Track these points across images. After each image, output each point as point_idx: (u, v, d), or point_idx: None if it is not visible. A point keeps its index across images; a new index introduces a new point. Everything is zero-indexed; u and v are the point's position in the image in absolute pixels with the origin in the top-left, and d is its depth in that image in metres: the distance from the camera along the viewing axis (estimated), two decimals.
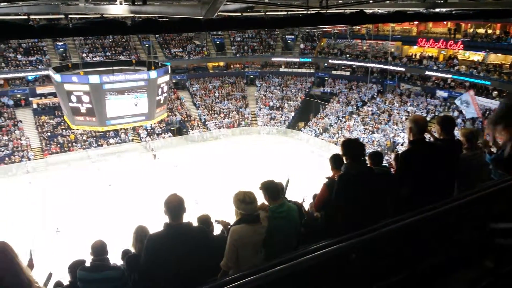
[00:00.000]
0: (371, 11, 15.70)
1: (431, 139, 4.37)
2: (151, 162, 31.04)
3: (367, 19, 10.21)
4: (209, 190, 23.44)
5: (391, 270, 2.80)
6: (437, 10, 9.95)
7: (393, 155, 28.65)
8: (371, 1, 14.17)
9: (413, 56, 36.08)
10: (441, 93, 33.17)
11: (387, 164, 5.73)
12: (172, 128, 36.83)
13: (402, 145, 29.63)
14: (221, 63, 43.96)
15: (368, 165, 4.50)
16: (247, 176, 24.60)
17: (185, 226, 3.24)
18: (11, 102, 33.76)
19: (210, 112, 39.21)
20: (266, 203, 3.72)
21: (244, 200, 3.34)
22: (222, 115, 39.09)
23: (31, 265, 3.31)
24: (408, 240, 2.95)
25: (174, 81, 39.15)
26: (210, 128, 37.72)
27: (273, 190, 3.71)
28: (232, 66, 44.19)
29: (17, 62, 34.17)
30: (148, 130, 35.40)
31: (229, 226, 4.17)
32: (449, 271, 2.92)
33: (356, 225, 2.82)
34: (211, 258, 3.35)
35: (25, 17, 15.21)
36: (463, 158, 4.21)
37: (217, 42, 43.17)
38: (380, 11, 15.78)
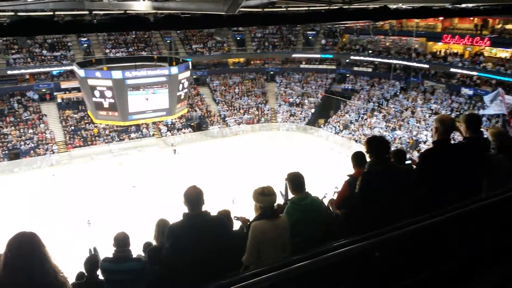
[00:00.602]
0: (395, 6, 15.41)
1: (461, 138, 4.23)
2: (171, 157, 31.40)
3: (391, 14, 10.02)
4: (227, 186, 23.57)
5: (414, 270, 2.76)
6: (463, 5, 9.69)
7: (415, 153, 28.18)
8: None
9: (438, 53, 35.27)
10: (466, 91, 32.36)
11: (410, 162, 5.61)
12: (192, 124, 37.13)
13: (425, 143, 29.09)
14: (242, 59, 44.00)
15: (393, 163, 4.42)
16: (266, 172, 24.62)
17: (204, 215, 3.35)
18: (36, 97, 34.64)
19: (230, 108, 39.34)
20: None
21: (263, 193, 3.40)
22: (241, 111, 39.17)
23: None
24: (432, 239, 2.89)
25: (194, 77, 39.40)
26: (230, 124, 37.86)
27: (298, 182, 3.75)
28: (252, 62, 44.19)
29: (43, 57, 35.01)
30: (169, 125, 35.79)
31: (248, 223, 4.20)
32: (474, 272, 2.85)
33: (379, 223, 2.78)
34: (229, 247, 3.43)
35: (51, 13, 15.59)
36: (492, 158, 4.08)
37: (238, 38, 43.20)
38: (404, 6, 15.47)
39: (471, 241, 3.05)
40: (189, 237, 3.25)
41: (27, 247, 2.31)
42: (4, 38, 32.86)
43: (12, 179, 27.44)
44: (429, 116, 31.64)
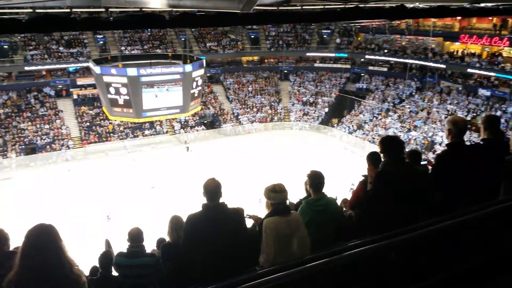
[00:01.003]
0: (411, 5, 15.21)
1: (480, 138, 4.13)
2: (184, 154, 31.58)
3: (408, 13, 9.88)
4: (239, 184, 23.59)
5: (431, 271, 2.72)
6: (482, 4, 9.51)
7: (430, 155, 27.77)
8: None
9: (455, 53, 34.71)
10: (483, 92, 31.76)
11: (425, 163, 5.54)
12: (205, 121, 37.28)
13: (440, 144, 28.68)
14: (255, 58, 43.97)
15: (409, 163, 4.36)
16: (278, 171, 24.59)
17: (221, 206, 3.47)
18: (52, 92, 35.17)
19: (243, 106, 39.37)
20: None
21: (274, 189, 3.44)
22: (255, 109, 39.17)
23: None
24: (450, 241, 2.85)
25: (208, 74, 39.52)
26: (243, 122, 37.89)
27: (317, 181, 3.80)
28: (266, 60, 44.12)
29: (59, 54, 35.54)
30: (182, 123, 35.99)
31: (260, 221, 4.19)
32: (494, 274, 2.80)
33: (391, 224, 2.75)
34: (244, 240, 3.52)
35: (68, 10, 15.76)
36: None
37: (252, 37, 43.17)
38: (421, 5, 15.25)
39: (490, 243, 2.99)
40: (206, 227, 3.36)
41: (44, 239, 2.35)
42: (23, 35, 33.42)
43: (28, 173, 27.95)
44: (445, 117, 31.17)
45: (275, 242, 3.29)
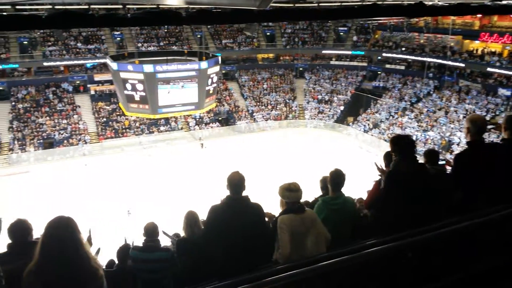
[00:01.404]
0: (431, 2, 14.96)
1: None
2: (198, 151, 31.76)
3: (427, 11, 9.71)
4: (253, 181, 23.60)
5: (446, 271, 2.68)
6: (504, 2, 9.30)
7: (448, 155, 27.34)
8: None
9: (474, 51, 33.99)
10: (503, 91, 31.05)
11: (444, 163, 5.45)
12: (220, 118, 37.40)
13: (458, 145, 28.19)
14: (271, 55, 43.87)
15: (421, 163, 4.31)
16: (292, 169, 24.53)
17: (244, 199, 3.54)
18: (70, 88, 35.74)
19: (258, 103, 39.35)
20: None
21: (289, 188, 3.45)
22: (269, 107, 39.12)
23: (89, 242, 3.51)
24: (466, 242, 2.80)
25: (223, 71, 39.60)
26: (257, 120, 37.88)
27: (336, 181, 3.84)
28: (281, 58, 43.97)
29: (77, 50, 36.07)
30: (197, 119, 36.18)
31: (274, 218, 4.20)
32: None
33: (405, 225, 2.72)
34: (264, 234, 3.56)
35: (86, 6, 15.98)
36: None
37: (268, 34, 43.08)
38: (440, 2, 15.00)
39: (508, 244, 2.93)
40: (228, 219, 3.42)
41: (64, 231, 2.40)
42: (42, 31, 34.02)
43: (46, 167, 28.49)
44: (463, 117, 30.61)
45: (290, 239, 3.29)
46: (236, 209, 3.46)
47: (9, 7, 13.79)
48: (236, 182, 3.49)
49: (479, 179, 3.45)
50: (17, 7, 13.72)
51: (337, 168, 3.91)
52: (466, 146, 3.72)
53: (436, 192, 3.59)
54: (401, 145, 3.58)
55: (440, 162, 5.28)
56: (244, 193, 3.55)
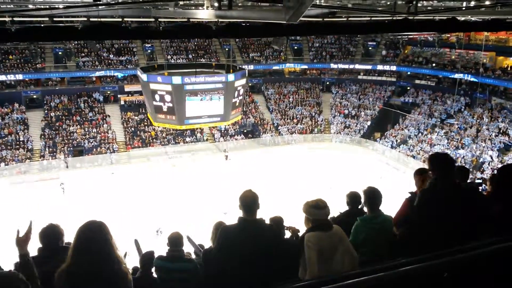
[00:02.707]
0: (463, 18, 14.66)
1: None
2: (222, 162, 31.90)
3: (459, 26, 9.50)
4: (276, 194, 23.46)
5: None
6: None
7: (479, 174, 26.41)
8: (463, 8, 13.23)
9: (509, 68, 33.00)
10: None
11: (480, 181, 5.25)
12: (245, 131, 37.55)
13: (489, 164, 27.23)
14: (298, 69, 43.91)
15: (458, 182, 4.16)
16: (317, 183, 24.26)
17: (259, 222, 3.34)
18: (101, 98, 36.81)
19: (283, 116, 39.34)
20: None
21: (316, 206, 3.32)
22: (295, 120, 39.03)
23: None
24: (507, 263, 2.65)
25: (250, 84, 39.88)
26: (282, 133, 37.82)
27: (373, 200, 3.74)
28: (308, 71, 43.95)
29: (109, 61, 37.21)
30: (222, 131, 36.46)
31: (298, 233, 4.11)
32: None
33: (440, 244, 2.60)
34: (280, 258, 3.37)
35: (119, 19, 16.48)
36: None
37: (295, 48, 43.22)
38: (473, 18, 14.66)
39: None
40: (240, 242, 3.25)
41: (96, 235, 2.43)
42: (76, 42, 35.31)
43: (75, 174, 29.24)
44: (496, 136, 29.61)
45: (317, 258, 3.20)
46: (249, 233, 3.26)
47: (47, 19, 14.36)
48: (249, 202, 3.31)
49: None
50: (54, 19, 14.27)
51: (371, 186, 3.80)
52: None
53: (471, 209, 3.45)
54: (438, 163, 3.46)
55: (477, 181, 5.11)
56: (259, 212, 3.36)
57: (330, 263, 3.17)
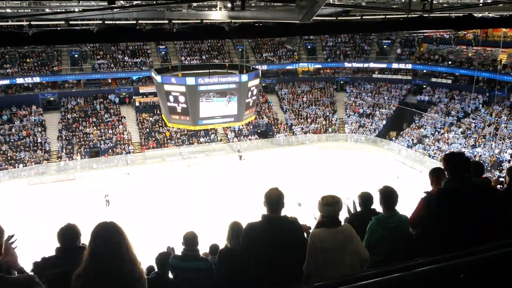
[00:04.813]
0: (480, 15, 14.40)
1: None
2: (236, 162, 31.97)
3: (476, 23, 9.33)
4: (292, 194, 23.40)
5: None
6: None
7: (497, 173, 25.90)
8: (480, 4, 13.00)
9: None
10: None
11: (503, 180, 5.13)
12: (258, 131, 37.56)
13: (509, 162, 26.67)
14: (311, 68, 43.71)
15: (474, 182, 4.08)
16: (331, 183, 24.09)
17: (282, 219, 3.37)
18: (117, 100, 37.28)
19: (297, 116, 39.21)
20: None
21: (326, 202, 3.31)
22: (309, 120, 38.86)
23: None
24: None
25: (263, 84, 39.85)
26: (296, 133, 37.70)
27: (389, 199, 3.71)
28: (322, 71, 43.70)
29: (124, 63, 37.65)
30: (236, 132, 36.53)
31: (309, 231, 4.12)
32: None
33: (456, 245, 2.56)
34: (303, 254, 3.39)
35: (134, 22, 16.69)
36: None
37: (309, 47, 43.03)
38: (491, 14, 14.39)
39: None
40: (264, 239, 3.29)
41: (111, 235, 2.44)
42: (92, 44, 35.81)
43: (91, 174, 29.70)
44: None
45: (319, 254, 3.18)
46: (274, 230, 3.29)
47: (63, 22, 14.62)
48: (274, 200, 3.32)
49: None
50: (70, 22, 14.51)
51: (386, 185, 3.76)
52: None
53: (489, 209, 3.38)
54: (454, 163, 3.41)
55: (501, 179, 5.02)
56: (283, 210, 3.39)
57: (332, 261, 3.15)
